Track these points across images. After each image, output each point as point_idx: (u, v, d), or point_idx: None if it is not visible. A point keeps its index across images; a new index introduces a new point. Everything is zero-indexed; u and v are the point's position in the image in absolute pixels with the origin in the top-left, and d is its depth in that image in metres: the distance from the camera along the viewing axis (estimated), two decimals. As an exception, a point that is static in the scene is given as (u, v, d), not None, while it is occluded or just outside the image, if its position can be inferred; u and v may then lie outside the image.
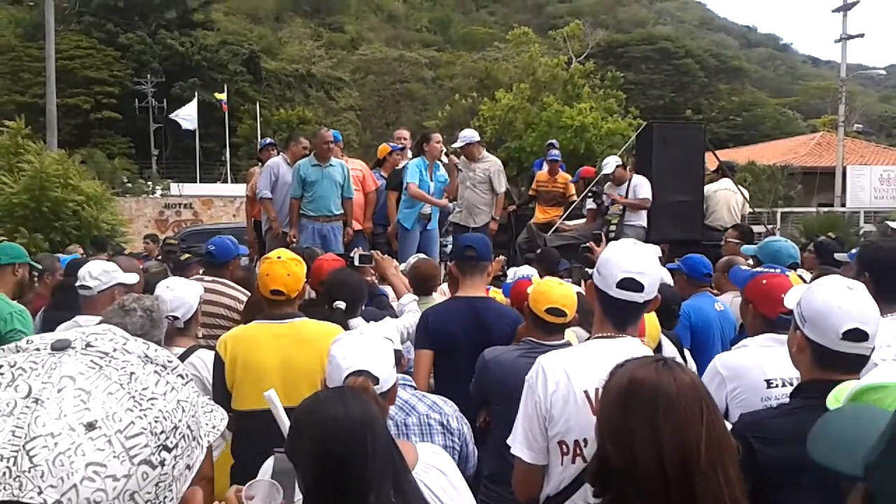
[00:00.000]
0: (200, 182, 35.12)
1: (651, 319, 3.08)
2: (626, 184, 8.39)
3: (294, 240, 7.22)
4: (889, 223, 7.30)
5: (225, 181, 37.21)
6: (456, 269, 3.83)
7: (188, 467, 0.75)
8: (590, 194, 8.90)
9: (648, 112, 38.16)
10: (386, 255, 4.68)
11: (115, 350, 0.75)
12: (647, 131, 8.95)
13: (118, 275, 4.24)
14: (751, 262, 5.20)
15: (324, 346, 3.18)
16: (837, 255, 5.40)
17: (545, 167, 9.99)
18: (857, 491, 1.20)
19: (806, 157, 30.45)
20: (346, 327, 3.36)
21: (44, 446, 0.65)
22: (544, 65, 29.20)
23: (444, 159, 7.90)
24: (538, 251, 7.49)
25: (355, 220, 7.73)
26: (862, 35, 27.77)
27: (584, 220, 9.06)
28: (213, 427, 0.83)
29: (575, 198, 9.40)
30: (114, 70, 45.95)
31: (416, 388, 2.87)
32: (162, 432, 0.71)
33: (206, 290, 4.19)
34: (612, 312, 2.37)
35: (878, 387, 1.63)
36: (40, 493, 0.64)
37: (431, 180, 7.77)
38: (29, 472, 0.65)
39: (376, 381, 2.13)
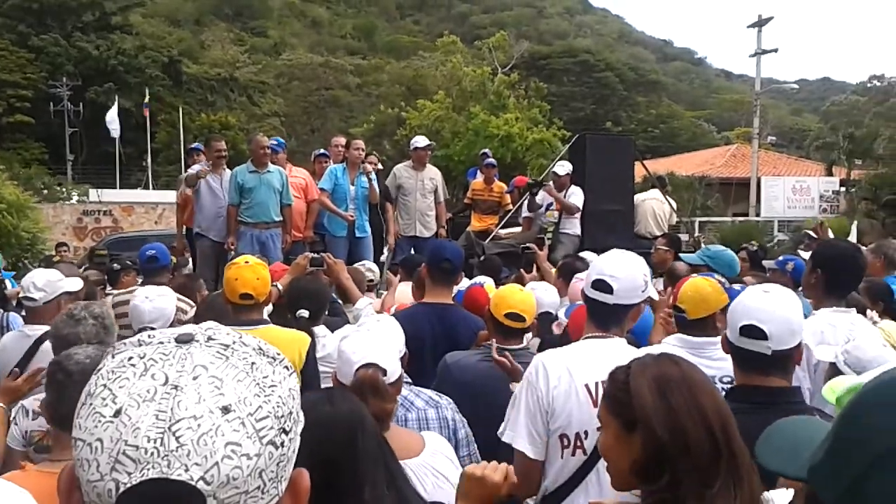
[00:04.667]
0: (120, 188, 34.05)
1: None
2: (564, 192, 8.60)
3: (232, 247, 7.15)
4: (807, 231, 7.69)
5: (146, 187, 36.18)
6: (428, 276, 3.91)
7: (295, 450, 0.81)
8: (527, 198, 9.04)
9: (571, 123, 38.86)
10: (339, 260, 4.70)
11: (234, 342, 0.80)
12: (579, 142, 9.20)
13: (63, 283, 4.14)
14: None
15: (291, 353, 3.23)
16: (765, 263, 5.70)
17: (480, 176, 10.14)
18: (800, 493, 1.32)
19: (722, 168, 31.67)
20: (311, 336, 3.38)
21: (188, 427, 0.71)
22: (470, 74, 29.50)
23: (368, 167, 7.95)
24: (480, 258, 7.61)
25: (295, 229, 7.71)
26: (776, 50, 29.08)
27: (520, 229, 9.24)
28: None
29: (511, 206, 9.57)
30: (27, 73, 44.10)
31: (412, 384, 2.93)
32: (281, 416, 0.77)
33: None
34: (590, 312, 2.50)
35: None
36: (186, 470, 0.70)
37: (353, 185, 7.82)
38: (176, 451, 0.70)
39: (385, 372, 2.24)
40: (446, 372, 3.36)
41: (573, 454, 2.36)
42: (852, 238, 7.03)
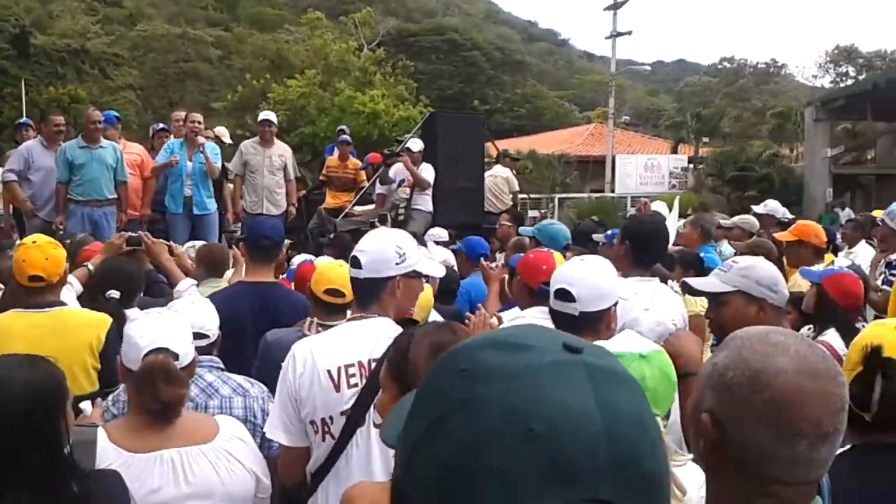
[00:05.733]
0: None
1: (426, 294, 3.25)
2: (416, 168, 8.65)
3: (61, 227, 6.76)
4: (651, 202, 8.10)
5: (-15, 165, 33.49)
6: (247, 254, 3.82)
7: None
8: (382, 171, 9.02)
9: (439, 102, 39.00)
10: (159, 240, 4.51)
11: None
12: (430, 120, 9.28)
13: None
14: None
15: (88, 336, 3.07)
16: (595, 236, 5.94)
17: (336, 152, 10.03)
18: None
19: (581, 147, 32.73)
20: (122, 318, 3.23)
21: None
22: (336, 50, 29.06)
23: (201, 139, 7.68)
24: (330, 236, 7.54)
25: (131, 207, 7.37)
26: (630, 32, 30.21)
27: (373, 206, 9.22)
28: None
29: (366, 183, 9.52)
30: None
31: (223, 371, 2.85)
32: None
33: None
34: (353, 291, 2.55)
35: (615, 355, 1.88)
36: None
37: (191, 161, 7.57)
38: None
39: (176, 357, 2.19)
40: (266, 351, 3.30)
41: (324, 440, 2.39)
42: (675, 212, 7.42)
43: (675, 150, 31.33)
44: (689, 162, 28.62)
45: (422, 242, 5.86)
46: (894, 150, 23.78)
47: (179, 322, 2.34)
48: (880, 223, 5.75)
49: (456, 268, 5.53)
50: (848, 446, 1.88)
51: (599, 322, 2.42)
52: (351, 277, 2.58)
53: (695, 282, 2.93)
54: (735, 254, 5.79)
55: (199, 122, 7.74)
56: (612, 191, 26.57)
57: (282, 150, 8.49)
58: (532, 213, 17.45)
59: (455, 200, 8.77)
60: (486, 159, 12.91)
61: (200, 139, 7.63)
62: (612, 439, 0.64)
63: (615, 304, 2.50)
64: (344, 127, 12.20)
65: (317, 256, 5.21)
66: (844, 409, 1.20)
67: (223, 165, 8.33)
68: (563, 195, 25.26)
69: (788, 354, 1.20)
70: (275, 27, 48.38)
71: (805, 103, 26.79)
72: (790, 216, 7.12)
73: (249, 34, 48.57)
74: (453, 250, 6.02)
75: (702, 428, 1.25)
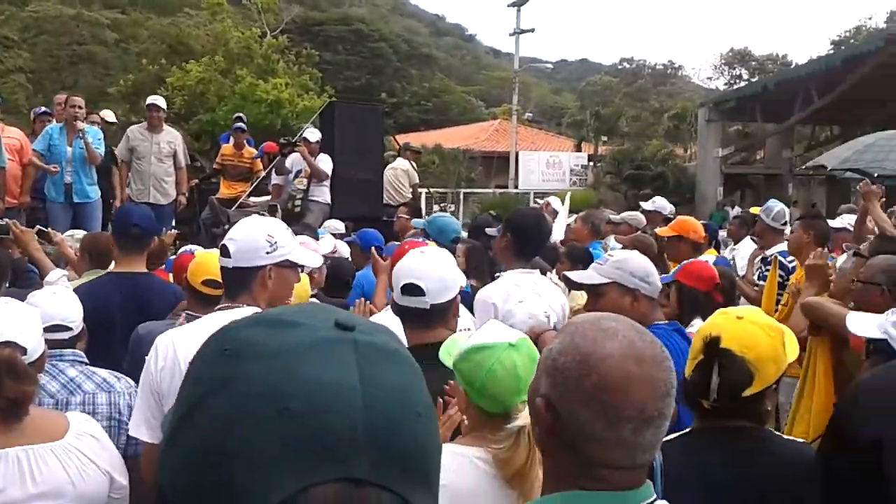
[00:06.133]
0: None
1: (302, 284, 3.19)
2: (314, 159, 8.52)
3: (-71, 214, 6.33)
4: (549, 199, 8.24)
5: None
6: (116, 244, 3.66)
7: None
8: (278, 161, 8.84)
9: (346, 92, 38.63)
10: (28, 228, 4.28)
11: None
12: (329, 110, 9.17)
13: None
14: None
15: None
16: (488, 230, 5.99)
17: (231, 140, 9.78)
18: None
19: (486, 142, 33.10)
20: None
21: None
22: (237, 36, 28.34)
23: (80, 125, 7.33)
24: (225, 227, 7.35)
25: (10, 195, 6.98)
26: (533, 30, 30.75)
27: (269, 197, 9.04)
28: None
29: (262, 172, 9.32)
30: None
31: (87, 365, 2.71)
32: None
33: None
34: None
35: (483, 347, 1.83)
36: None
37: (70, 146, 7.24)
38: None
39: (24, 351, 2.07)
40: (137, 344, 3.17)
41: None
42: (565, 207, 7.60)
43: (578, 148, 32.06)
44: (589, 160, 29.36)
45: (315, 234, 5.78)
46: (782, 151, 24.99)
47: (27, 314, 2.21)
48: (758, 220, 6.02)
49: (351, 260, 5.49)
50: (687, 430, 1.96)
51: (448, 312, 2.43)
52: (220, 267, 2.50)
53: (573, 274, 3.02)
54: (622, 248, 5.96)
55: (80, 107, 7.37)
56: (516, 187, 26.97)
57: (171, 137, 8.21)
58: (437, 208, 17.53)
59: (354, 192, 8.68)
60: (389, 152, 12.90)
61: (80, 124, 7.27)
62: (372, 416, 0.63)
63: (459, 293, 2.52)
64: (240, 114, 11.91)
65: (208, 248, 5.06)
66: (670, 394, 1.23)
67: (111, 151, 8.00)
68: (468, 190, 25.48)
69: (616, 340, 1.23)
70: (174, 11, 46.79)
71: (699, 104, 27.85)
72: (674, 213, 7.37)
73: (147, 17, 46.80)
74: (348, 242, 5.97)
75: (537, 412, 1.27)
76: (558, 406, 1.23)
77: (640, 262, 2.79)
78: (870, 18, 50.36)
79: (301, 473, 0.60)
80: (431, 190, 23.02)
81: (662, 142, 29.86)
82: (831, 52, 32.27)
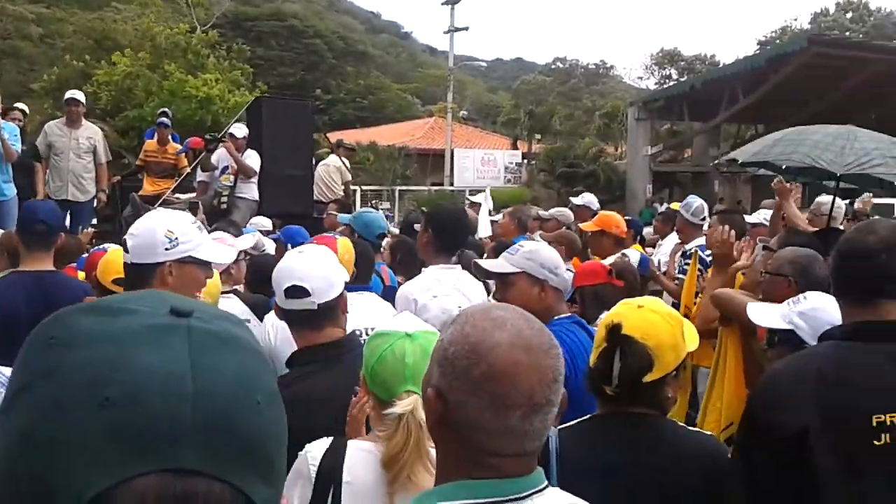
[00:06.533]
0: None
1: (213, 281, 3.12)
2: (240, 155, 8.36)
3: None
4: (470, 197, 8.30)
5: None
6: (21, 242, 3.52)
7: None
8: (203, 157, 8.66)
9: (280, 89, 38.16)
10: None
11: None
12: (256, 105, 9.02)
13: None
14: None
15: None
16: (416, 226, 5.99)
17: (155, 136, 9.53)
18: None
19: (421, 140, 33.10)
20: None
21: None
22: (165, 31, 27.68)
23: None
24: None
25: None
26: (467, 28, 30.93)
27: (194, 194, 8.83)
28: None
29: (187, 169, 9.11)
30: None
31: None
32: None
33: None
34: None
35: (382, 334, 1.84)
36: None
37: None
38: None
39: None
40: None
41: None
42: (487, 203, 7.68)
43: (513, 146, 32.32)
44: (524, 157, 29.64)
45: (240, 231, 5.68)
46: (709, 149, 25.66)
47: None
48: (678, 215, 6.17)
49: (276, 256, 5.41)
50: (588, 416, 1.98)
51: (336, 310, 2.37)
52: (123, 263, 2.43)
53: (484, 263, 3.06)
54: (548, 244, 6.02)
55: None
56: (451, 184, 27.04)
57: (91, 132, 7.96)
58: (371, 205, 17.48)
59: (283, 189, 8.56)
60: (324, 149, 12.77)
61: None
62: (204, 403, 0.61)
63: (344, 289, 2.47)
64: (165, 109, 11.62)
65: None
66: (557, 380, 1.24)
67: (34, 146, 7.72)
68: (403, 187, 25.45)
69: (505, 329, 1.23)
70: (101, 5, 45.48)
71: (629, 103, 28.39)
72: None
73: (73, 13, 45.38)
74: (273, 239, 5.89)
75: (427, 402, 1.27)
76: (448, 395, 1.22)
77: (549, 255, 2.83)
78: (795, 19, 52.30)
79: (120, 464, 0.58)
80: (366, 187, 22.95)
81: (594, 140, 30.32)
82: (758, 52, 33.24)
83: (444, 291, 3.29)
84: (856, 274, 1.94)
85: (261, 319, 3.39)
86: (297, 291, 2.28)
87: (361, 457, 1.78)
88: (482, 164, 27.55)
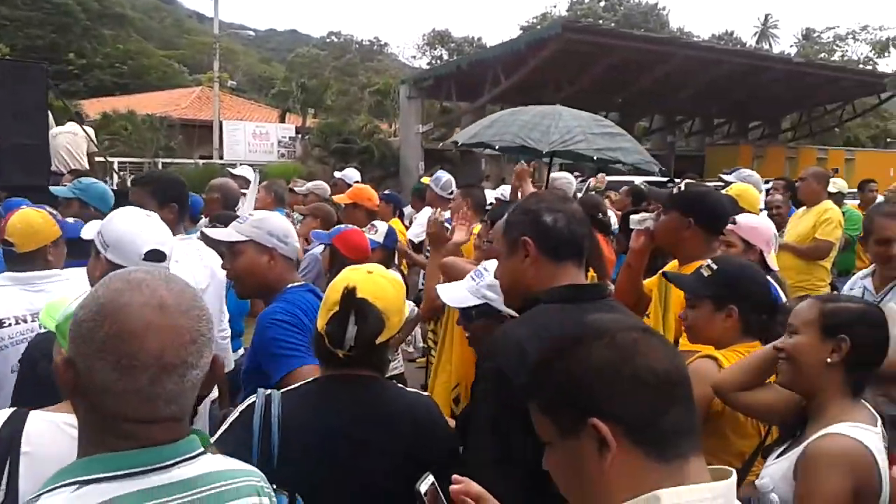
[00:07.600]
0: None
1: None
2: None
3: None
4: (230, 170, 8.05)
5: None
6: None
7: None
8: None
9: (28, 52, 34.95)
10: None
11: None
12: (-24, 69, 8.06)
13: None
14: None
15: None
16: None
17: None
18: None
19: (186, 110, 31.46)
20: None
21: None
22: None
23: None
24: None
25: None
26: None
27: None
28: None
29: None
30: None
31: None
32: None
33: None
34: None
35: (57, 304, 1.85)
36: None
37: None
38: None
39: None
40: None
41: None
42: (257, 179, 7.54)
43: (282, 119, 31.63)
44: (297, 132, 29.13)
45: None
46: (475, 129, 26.67)
47: None
48: (428, 189, 6.37)
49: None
50: (311, 378, 2.00)
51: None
52: None
53: (211, 231, 3.01)
54: (304, 217, 5.98)
55: None
56: (221, 157, 25.97)
57: None
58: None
59: (11, 159, 7.76)
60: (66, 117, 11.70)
61: None
62: None
63: None
64: None
65: None
66: (197, 341, 1.20)
67: None
68: (168, 160, 24.05)
69: (140, 290, 1.19)
70: None
71: (400, 81, 28.80)
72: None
73: None
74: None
75: (57, 372, 1.20)
76: (78, 362, 1.16)
77: (278, 223, 2.82)
78: (555, 7, 55.62)
79: None
80: (124, 159, 21.40)
81: (368, 117, 30.43)
82: (519, 36, 35.04)
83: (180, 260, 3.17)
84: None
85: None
86: (156, 254, 2.53)
87: (44, 427, 1.71)
88: (254, 138, 26.69)
